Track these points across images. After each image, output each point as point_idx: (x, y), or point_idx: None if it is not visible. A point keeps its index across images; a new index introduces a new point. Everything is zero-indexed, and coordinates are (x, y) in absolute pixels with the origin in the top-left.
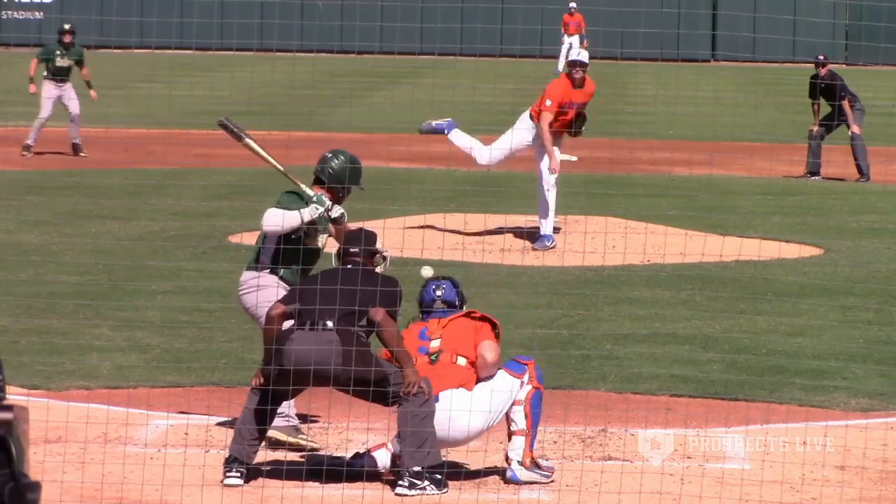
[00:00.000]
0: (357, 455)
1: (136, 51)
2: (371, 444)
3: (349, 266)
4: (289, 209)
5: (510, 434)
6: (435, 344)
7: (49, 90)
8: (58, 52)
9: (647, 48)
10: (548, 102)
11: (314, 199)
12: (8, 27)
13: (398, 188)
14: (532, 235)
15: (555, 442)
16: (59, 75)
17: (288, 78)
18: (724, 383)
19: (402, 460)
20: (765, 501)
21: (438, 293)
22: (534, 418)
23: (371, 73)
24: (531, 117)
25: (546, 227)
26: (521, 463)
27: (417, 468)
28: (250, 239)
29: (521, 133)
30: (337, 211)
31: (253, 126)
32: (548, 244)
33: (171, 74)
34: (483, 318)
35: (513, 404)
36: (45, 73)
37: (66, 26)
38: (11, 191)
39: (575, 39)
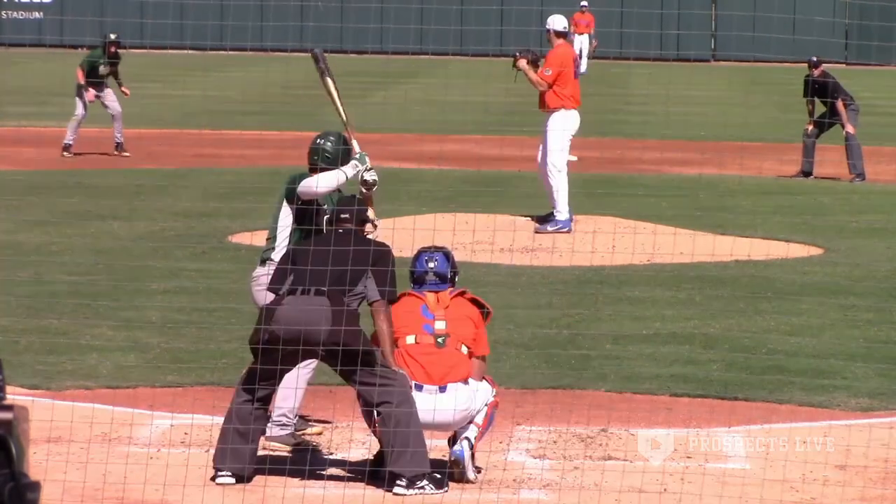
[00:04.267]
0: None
1: (133, 51)
2: (371, 445)
3: (341, 231)
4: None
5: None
6: (440, 326)
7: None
8: (102, 61)
9: (647, 48)
10: (547, 71)
11: (357, 156)
12: (7, 27)
13: (398, 188)
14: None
15: (555, 442)
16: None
17: (284, 78)
18: (724, 383)
19: (393, 462)
20: (765, 501)
21: (431, 265)
22: (489, 420)
23: (369, 73)
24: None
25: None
26: (471, 445)
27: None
28: (250, 239)
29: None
30: (372, 174)
31: (251, 126)
32: (551, 228)
33: (168, 74)
34: (474, 301)
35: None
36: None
37: (113, 36)
38: (11, 191)
39: (585, 39)
